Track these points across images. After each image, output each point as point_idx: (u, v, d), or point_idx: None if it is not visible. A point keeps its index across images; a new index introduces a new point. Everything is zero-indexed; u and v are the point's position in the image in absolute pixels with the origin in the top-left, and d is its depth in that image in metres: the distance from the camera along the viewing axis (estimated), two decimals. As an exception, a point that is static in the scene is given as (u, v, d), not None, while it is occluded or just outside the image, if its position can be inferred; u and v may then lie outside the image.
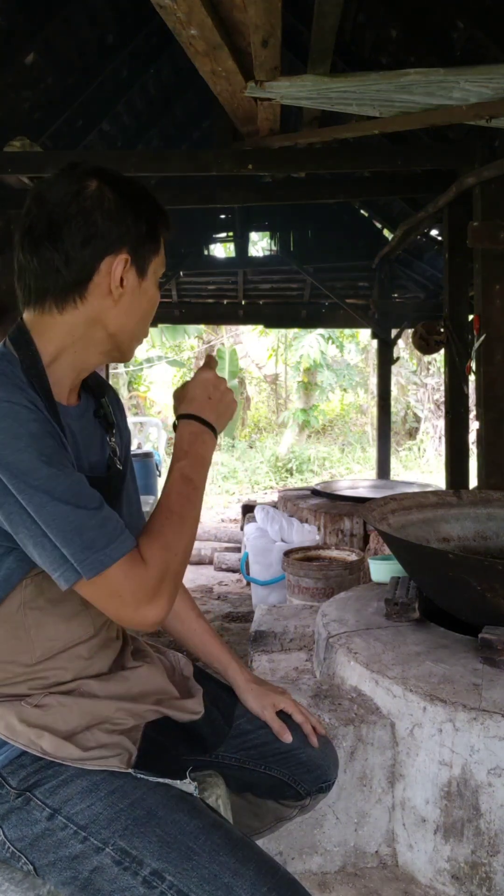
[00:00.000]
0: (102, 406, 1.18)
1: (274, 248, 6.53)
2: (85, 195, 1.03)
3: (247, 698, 1.29)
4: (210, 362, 1.20)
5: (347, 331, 13.37)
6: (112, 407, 1.21)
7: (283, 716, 1.29)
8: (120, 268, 1.05)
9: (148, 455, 8.04)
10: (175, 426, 1.13)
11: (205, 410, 1.12)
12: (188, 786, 1.01)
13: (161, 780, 1.00)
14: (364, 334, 13.07)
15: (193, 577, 5.30)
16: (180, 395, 1.15)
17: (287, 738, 1.24)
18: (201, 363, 1.15)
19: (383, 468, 6.71)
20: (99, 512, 0.96)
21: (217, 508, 9.40)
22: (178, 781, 1.00)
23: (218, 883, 0.90)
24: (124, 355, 1.14)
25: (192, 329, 13.56)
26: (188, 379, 1.17)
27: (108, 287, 1.05)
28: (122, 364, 13.93)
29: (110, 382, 1.48)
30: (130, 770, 0.99)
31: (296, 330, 13.51)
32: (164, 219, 1.13)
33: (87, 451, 1.11)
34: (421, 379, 15.15)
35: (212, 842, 0.93)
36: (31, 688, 1.04)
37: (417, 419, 15.64)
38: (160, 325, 9.81)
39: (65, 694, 1.05)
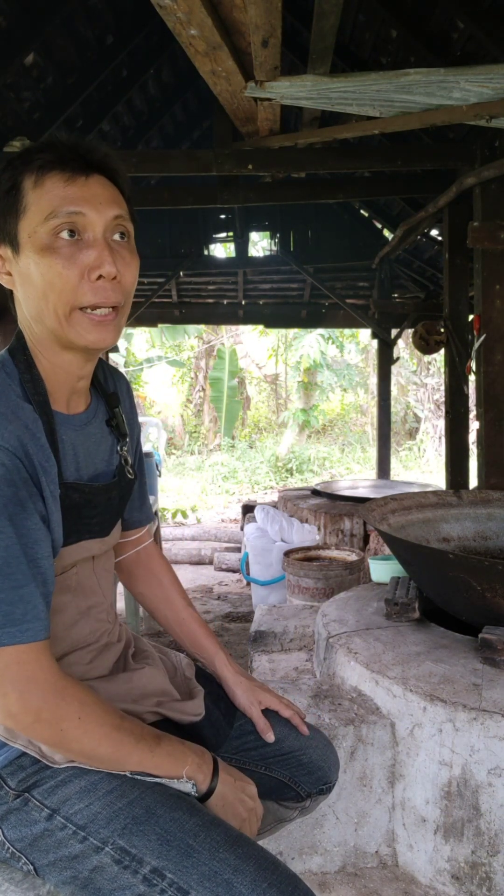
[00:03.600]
0: (115, 416, 1.15)
1: (274, 248, 6.53)
2: None
3: (235, 692, 1.28)
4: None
5: (347, 331, 13.38)
6: (126, 412, 1.19)
7: (279, 717, 1.28)
8: None
9: (148, 455, 8.04)
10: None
11: (225, 798, 1.03)
12: (185, 785, 1.01)
13: (158, 780, 1.00)
14: (364, 334, 13.08)
15: (193, 577, 5.30)
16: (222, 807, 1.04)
17: (270, 737, 1.23)
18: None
19: (383, 468, 6.71)
20: (18, 590, 0.90)
21: (217, 508, 9.40)
22: (175, 781, 1.00)
23: (218, 880, 0.90)
24: (69, 340, 0.98)
25: (192, 329, 13.56)
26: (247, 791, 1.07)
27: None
28: (123, 364, 13.93)
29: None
30: (127, 772, 0.99)
31: (296, 330, 13.52)
32: (30, 171, 0.95)
33: (89, 459, 1.09)
34: (421, 379, 15.15)
35: (211, 839, 0.93)
36: None
37: (417, 419, 15.64)
38: (160, 325, 9.79)
39: None
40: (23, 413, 0.96)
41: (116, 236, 0.99)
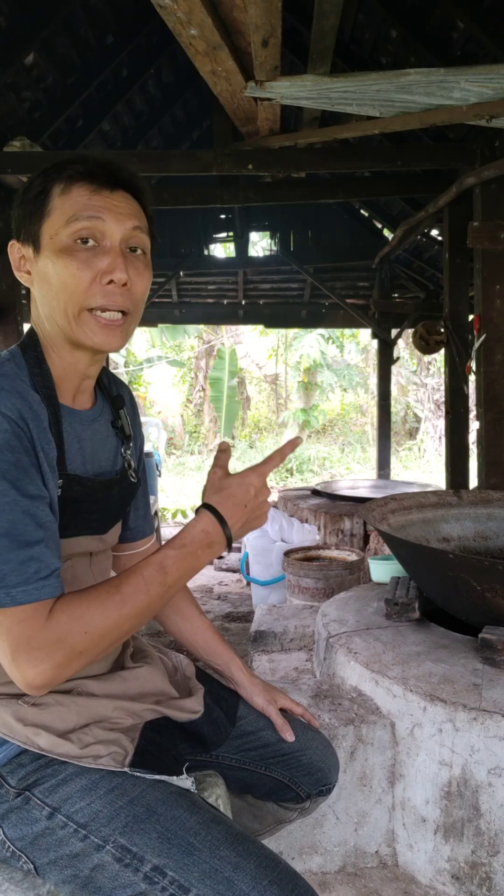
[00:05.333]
0: (120, 418, 1.17)
1: (274, 248, 6.53)
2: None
3: (253, 694, 1.29)
4: (268, 465, 1.04)
5: (347, 331, 13.39)
6: (130, 418, 1.21)
7: (284, 715, 1.29)
8: (13, 255, 1.04)
9: (148, 455, 8.05)
10: (197, 510, 1.02)
11: (234, 516, 1.00)
12: (185, 781, 1.01)
13: (158, 777, 1.00)
14: (364, 334, 13.09)
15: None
16: (218, 484, 1.02)
17: (290, 736, 1.25)
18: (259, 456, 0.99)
19: (383, 468, 6.71)
20: (27, 549, 0.89)
21: (217, 508, 9.38)
22: (175, 778, 1.01)
23: (219, 877, 0.90)
24: (77, 340, 1.01)
25: (192, 329, 13.57)
26: (238, 471, 1.03)
27: (19, 277, 1.05)
28: (123, 364, 13.93)
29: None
30: (126, 769, 0.99)
31: (296, 330, 13.53)
32: (59, 179, 0.99)
33: (95, 456, 1.11)
34: (421, 379, 15.16)
35: (212, 837, 0.94)
36: None
37: (417, 419, 15.65)
38: (160, 325, 9.80)
39: (62, 693, 1.05)
40: (30, 397, 0.97)
41: (132, 248, 1.03)
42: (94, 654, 0.93)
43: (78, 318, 1.00)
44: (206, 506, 1.01)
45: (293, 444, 1.06)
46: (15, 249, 1.04)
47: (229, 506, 1.00)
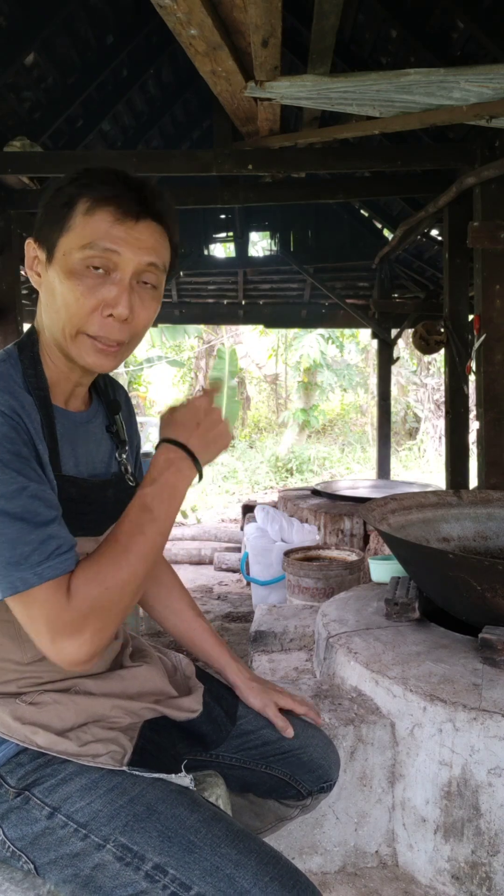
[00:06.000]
0: (116, 423, 1.18)
1: (274, 248, 6.53)
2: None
3: (248, 696, 1.29)
4: (210, 390, 1.08)
5: (347, 331, 13.38)
6: (126, 422, 1.21)
7: (284, 713, 1.29)
8: (28, 253, 1.03)
9: (147, 455, 8.04)
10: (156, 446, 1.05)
11: (190, 437, 1.02)
12: (184, 779, 1.01)
13: (156, 775, 1.00)
14: (364, 334, 13.08)
15: (193, 577, 5.30)
16: (167, 419, 1.05)
17: (290, 733, 1.25)
18: (201, 383, 1.03)
19: (383, 468, 6.71)
20: (44, 528, 0.90)
21: (217, 508, 9.41)
22: (174, 776, 1.01)
23: (220, 875, 0.90)
24: (69, 354, 1.02)
25: (192, 329, 13.57)
26: (178, 403, 1.07)
27: (29, 276, 1.04)
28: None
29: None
30: (124, 767, 0.99)
31: (296, 330, 13.52)
32: (86, 195, 0.97)
33: (88, 458, 1.11)
34: (421, 379, 15.16)
35: (213, 834, 0.94)
36: (23, 686, 1.05)
37: (417, 419, 15.65)
38: (160, 325, 9.81)
39: (60, 692, 1.05)
40: (22, 398, 0.97)
41: (143, 282, 1.02)
42: (123, 608, 0.93)
43: (74, 339, 1.00)
44: (159, 442, 1.03)
45: (215, 388, 1.09)
46: (31, 248, 1.03)
47: (180, 430, 1.02)
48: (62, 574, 0.90)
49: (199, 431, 1.03)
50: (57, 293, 0.98)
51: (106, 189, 0.97)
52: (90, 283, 0.97)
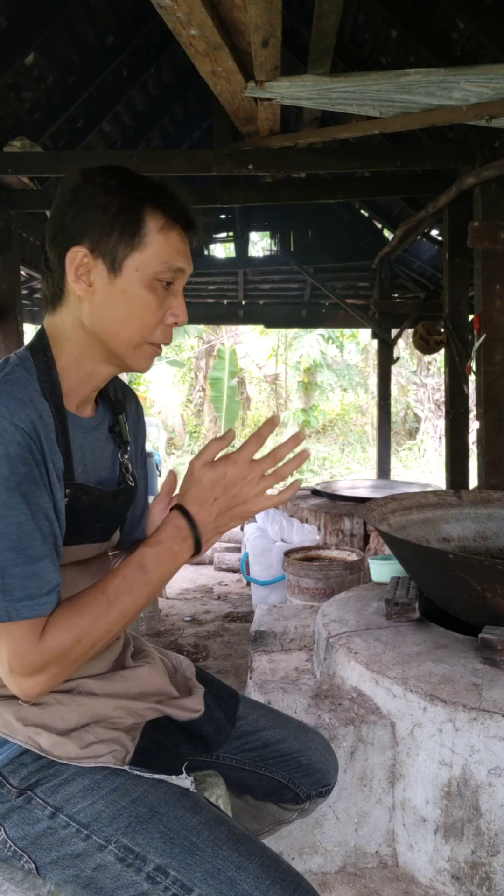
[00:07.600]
0: (118, 423, 1.17)
1: (274, 248, 6.53)
2: (72, 192, 1.01)
3: (153, 508, 1.28)
4: (243, 451, 1.01)
5: (347, 331, 13.38)
6: (130, 424, 1.20)
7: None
8: (75, 261, 1.00)
9: (148, 455, 8.05)
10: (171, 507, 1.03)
11: (201, 512, 1.00)
12: (185, 781, 1.01)
13: (157, 776, 1.00)
14: (364, 334, 13.08)
15: (193, 577, 5.30)
16: (191, 478, 1.01)
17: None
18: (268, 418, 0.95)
19: (383, 468, 6.71)
20: (33, 564, 0.91)
21: (217, 508, 9.38)
22: (175, 777, 1.01)
23: (221, 877, 0.90)
24: (124, 362, 1.05)
25: (192, 329, 13.57)
26: (218, 459, 1.00)
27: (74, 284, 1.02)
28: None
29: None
30: (126, 767, 0.99)
31: (296, 330, 13.52)
32: (158, 212, 1.00)
33: (95, 464, 1.11)
34: (421, 379, 15.16)
35: (215, 837, 0.94)
36: None
37: (417, 419, 15.65)
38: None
39: (63, 692, 1.05)
40: (40, 405, 0.97)
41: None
42: (88, 658, 0.97)
43: (138, 347, 1.04)
44: (175, 505, 1.02)
45: (272, 424, 1.00)
46: (80, 256, 0.99)
47: (195, 501, 1.00)
48: (37, 617, 0.92)
49: (214, 506, 1.00)
50: (129, 302, 1.01)
51: (173, 210, 1.02)
52: (162, 295, 1.03)
